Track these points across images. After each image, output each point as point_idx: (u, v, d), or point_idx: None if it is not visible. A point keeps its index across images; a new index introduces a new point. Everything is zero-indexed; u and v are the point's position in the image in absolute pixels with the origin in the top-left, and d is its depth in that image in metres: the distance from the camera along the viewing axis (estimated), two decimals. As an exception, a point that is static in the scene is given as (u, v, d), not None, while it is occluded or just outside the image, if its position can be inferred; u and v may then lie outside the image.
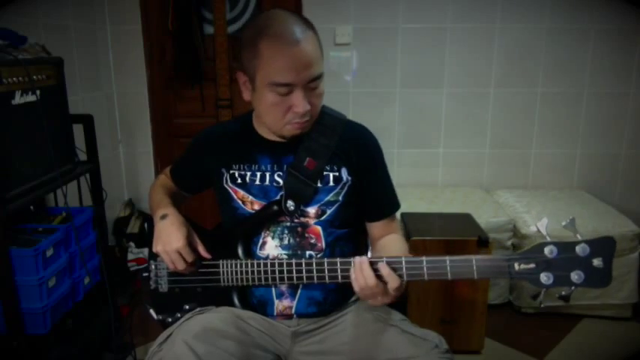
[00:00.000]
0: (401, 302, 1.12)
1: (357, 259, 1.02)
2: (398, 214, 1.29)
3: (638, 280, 2.36)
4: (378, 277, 1.00)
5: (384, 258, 1.02)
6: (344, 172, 1.20)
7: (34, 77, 1.60)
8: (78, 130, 1.95)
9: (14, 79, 1.52)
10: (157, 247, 1.15)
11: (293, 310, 1.18)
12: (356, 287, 1.02)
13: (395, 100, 2.90)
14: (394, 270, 1.00)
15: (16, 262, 1.54)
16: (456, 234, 2.08)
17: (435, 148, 2.95)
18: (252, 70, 1.09)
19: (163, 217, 1.18)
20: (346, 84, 2.88)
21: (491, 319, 2.17)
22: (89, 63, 2.67)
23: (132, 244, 2.82)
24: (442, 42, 2.81)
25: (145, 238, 1.30)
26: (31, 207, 1.85)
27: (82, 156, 1.95)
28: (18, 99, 1.54)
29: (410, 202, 2.60)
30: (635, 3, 2.68)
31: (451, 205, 2.61)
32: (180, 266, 1.14)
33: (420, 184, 2.95)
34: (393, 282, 0.99)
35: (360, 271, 1.01)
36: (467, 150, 2.94)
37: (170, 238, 1.14)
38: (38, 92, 1.60)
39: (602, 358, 2.19)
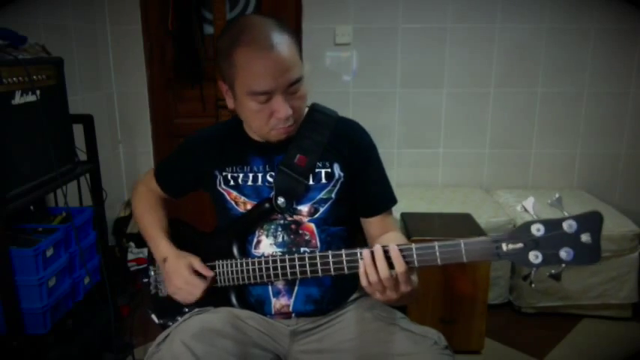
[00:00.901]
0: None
1: (367, 249, 0.98)
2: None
3: (638, 280, 2.36)
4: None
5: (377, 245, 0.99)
6: (336, 168, 1.19)
7: (34, 77, 1.60)
8: (78, 130, 1.95)
9: (14, 79, 1.52)
10: (178, 300, 1.21)
11: (290, 308, 1.17)
12: (364, 281, 0.98)
13: (395, 100, 2.90)
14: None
15: (16, 262, 1.54)
16: (456, 234, 2.08)
17: (435, 148, 2.95)
18: (231, 79, 1.09)
19: (164, 260, 1.21)
20: (346, 84, 2.88)
21: (491, 319, 2.17)
22: (89, 63, 2.67)
23: (132, 244, 2.82)
24: (442, 42, 2.81)
25: (145, 238, 1.31)
26: (31, 207, 1.85)
27: (82, 156, 1.95)
28: (18, 99, 1.54)
29: (410, 202, 2.60)
30: (635, 3, 2.67)
31: (451, 205, 2.61)
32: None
33: (420, 184, 2.95)
34: (399, 266, 0.96)
35: (370, 264, 0.97)
36: (467, 150, 2.94)
37: (185, 297, 1.18)
38: (38, 92, 1.60)
39: (602, 358, 2.19)
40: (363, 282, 0.99)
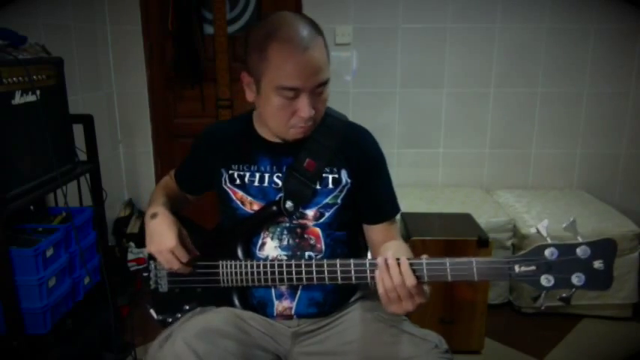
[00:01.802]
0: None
1: (381, 258, 0.99)
2: (398, 215, 1.29)
3: (638, 280, 2.36)
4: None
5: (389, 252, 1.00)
6: (344, 175, 1.19)
7: (34, 77, 1.60)
8: (78, 130, 1.95)
9: (14, 79, 1.52)
10: (150, 248, 1.16)
11: (293, 311, 1.17)
12: (381, 289, 0.99)
13: (395, 100, 2.90)
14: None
15: (16, 262, 1.54)
16: (456, 234, 2.08)
17: (435, 148, 2.95)
18: (259, 72, 1.09)
19: (153, 216, 1.19)
20: (346, 84, 2.88)
21: (491, 319, 2.17)
22: (89, 63, 2.67)
23: (132, 244, 2.82)
24: (442, 42, 2.81)
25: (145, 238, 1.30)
26: (31, 207, 1.85)
27: (82, 156, 1.95)
28: (18, 99, 1.54)
29: (410, 202, 2.60)
30: (635, 3, 2.68)
31: (451, 205, 2.61)
32: (175, 266, 1.15)
33: (420, 184, 2.95)
34: (409, 280, 0.97)
35: (385, 271, 0.98)
36: (467, 150, 2.94)
37: (162, 238, 1.14)
38: (38, 92, 1.60)
39: (602, 358, 2.19)
40: (380, 290, 0.99)
